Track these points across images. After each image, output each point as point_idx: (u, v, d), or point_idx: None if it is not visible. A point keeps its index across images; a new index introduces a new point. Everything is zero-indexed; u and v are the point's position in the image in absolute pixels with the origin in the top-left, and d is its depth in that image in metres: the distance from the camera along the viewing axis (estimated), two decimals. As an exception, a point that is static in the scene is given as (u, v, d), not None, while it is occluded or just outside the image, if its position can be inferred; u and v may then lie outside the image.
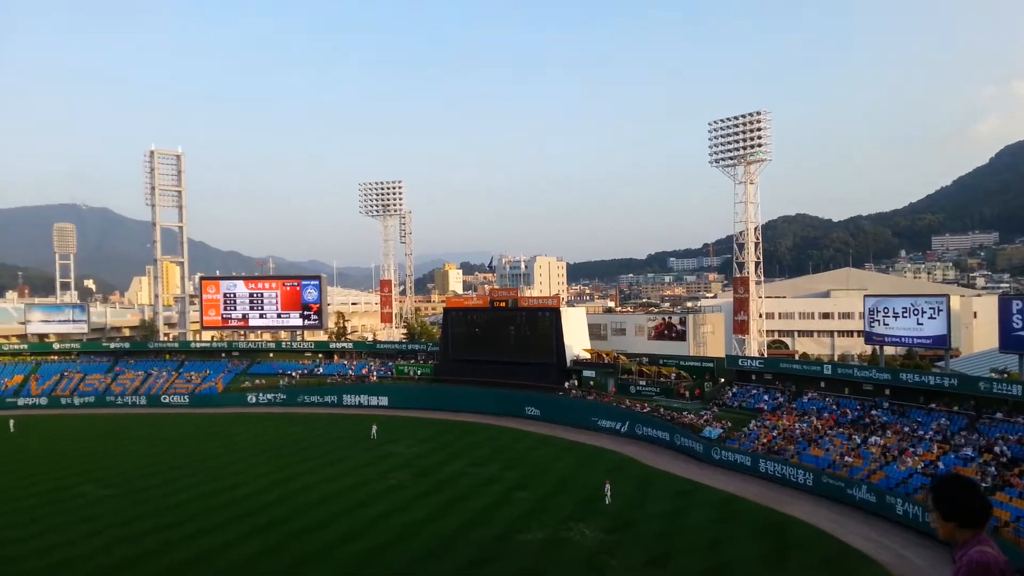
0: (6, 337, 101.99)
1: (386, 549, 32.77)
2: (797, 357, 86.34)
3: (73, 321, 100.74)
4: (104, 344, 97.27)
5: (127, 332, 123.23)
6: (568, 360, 73.07)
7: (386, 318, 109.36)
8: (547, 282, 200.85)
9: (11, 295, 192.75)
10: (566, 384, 71.02)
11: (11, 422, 67.91)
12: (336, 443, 58.69)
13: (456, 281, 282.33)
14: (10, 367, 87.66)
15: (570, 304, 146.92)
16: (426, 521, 36.90)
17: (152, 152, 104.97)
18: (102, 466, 51.70)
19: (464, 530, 35.37)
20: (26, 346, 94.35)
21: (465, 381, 74.72)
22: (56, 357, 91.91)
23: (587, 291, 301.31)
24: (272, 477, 47.04)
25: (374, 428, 60.86)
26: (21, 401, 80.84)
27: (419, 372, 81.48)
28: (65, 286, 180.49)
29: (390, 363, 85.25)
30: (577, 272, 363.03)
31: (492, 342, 76.10)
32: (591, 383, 69.93)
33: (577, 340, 76.87)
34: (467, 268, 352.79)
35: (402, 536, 34.48)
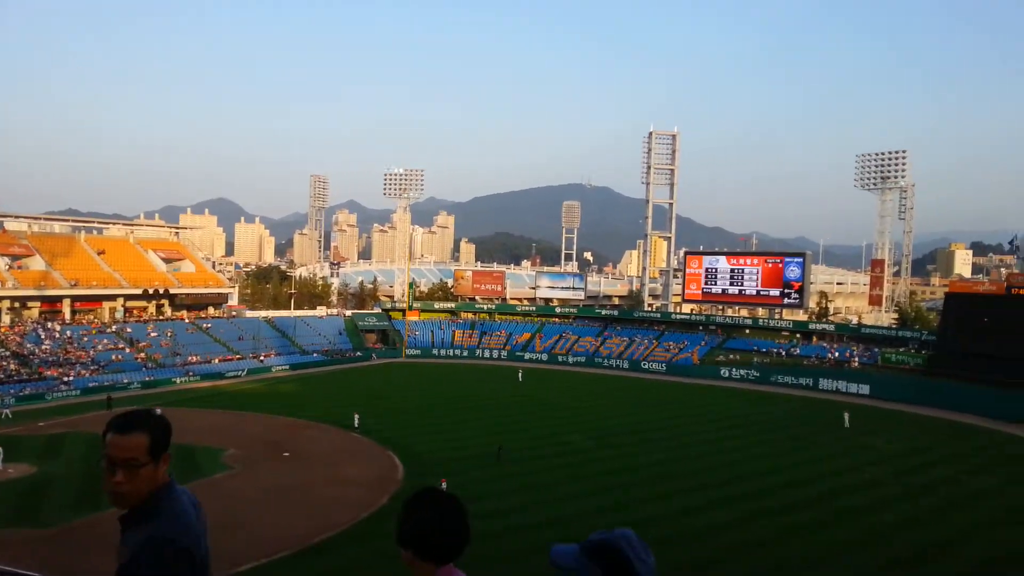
0: (519, 300, 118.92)
1: (856, 547, 30.20)
2: None
3: (573, 288, 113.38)
4: (596, 310, 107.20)
5: (616, 300, 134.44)
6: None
7: (875, 300, 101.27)
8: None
9: (525, 264, 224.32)
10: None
11: (519, 373, 79.08)
12: (807, 427, 56.13)
13: (963, 263, 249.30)
14: (521, 325, 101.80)
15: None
16: (901, 526, 33.10)
17: (651, 133, 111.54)
18: (586, 419, 57.15)
19: (946, 545, 30.88)
20: (534, 308, 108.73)
21: (964, 377, 65.25)
22: (557, 319, 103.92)
23: None
24: (741, 452, 46.87)
25: (846, 415, 56.85)
26: (527, 356, 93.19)
27: (910, 362, 73.66)
28: (568, 257, 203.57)
29: (875, 349, 78.56)
30: None
31: (1005, 336, 64.88)
32: None
33: None
34: (978, 249, 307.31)
35: (877, 535, 31.44)
